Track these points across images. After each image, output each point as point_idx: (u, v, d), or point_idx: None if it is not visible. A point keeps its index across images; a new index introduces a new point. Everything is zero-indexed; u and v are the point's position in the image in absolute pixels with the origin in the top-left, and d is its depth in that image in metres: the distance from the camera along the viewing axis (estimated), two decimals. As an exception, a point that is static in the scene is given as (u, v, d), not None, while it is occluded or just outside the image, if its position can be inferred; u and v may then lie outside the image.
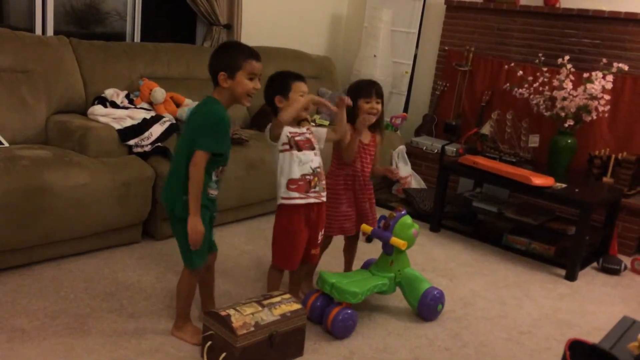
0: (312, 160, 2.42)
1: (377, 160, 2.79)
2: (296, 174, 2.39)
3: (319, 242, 2.55)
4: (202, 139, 2.10)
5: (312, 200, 2.44)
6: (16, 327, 2.26)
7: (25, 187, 2.58)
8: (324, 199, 2.50)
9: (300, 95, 2.41)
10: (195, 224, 2.11)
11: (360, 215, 2.76)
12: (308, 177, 2.41)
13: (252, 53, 2.18)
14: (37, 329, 2.26)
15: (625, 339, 1.70)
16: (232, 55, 2.16)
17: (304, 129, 2.46)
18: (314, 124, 2.62)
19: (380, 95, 2.68)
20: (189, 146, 2.11)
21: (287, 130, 2.40)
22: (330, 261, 3.00)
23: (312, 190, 2.43)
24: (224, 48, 2.25)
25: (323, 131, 2.56)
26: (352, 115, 2.62)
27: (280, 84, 2.43)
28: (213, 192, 2.22)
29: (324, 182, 2.49)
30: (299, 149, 2.40)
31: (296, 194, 2.40)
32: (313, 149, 2.46)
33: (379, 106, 2.67)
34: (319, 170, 2.45)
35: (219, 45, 2.31)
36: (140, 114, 3.24)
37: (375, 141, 2.76)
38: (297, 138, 2.41)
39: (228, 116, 2.18)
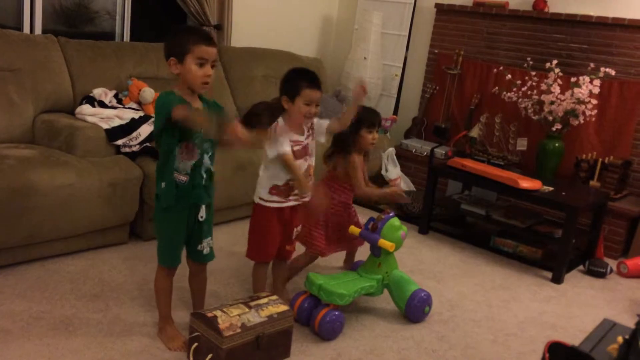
0: (299, 167, 2.40)
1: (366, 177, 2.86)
2: (282, 180, 2.39)
3: (293, 238, 2.56)
4: None
5: (291, 204, 2.45)
6: (0, 328, 2.24)
7: (11, 186, 2.56)
8: (307, 198, 2.47)
9: (306, 104, 2.31)
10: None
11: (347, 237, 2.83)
12: (291, 182, 2.40)
13: (202, 36, 2.04)
14: (21, 330, 2.24)
15: (605, 342, 1.71)
16: (180, 39, 2.01)
17: (302, 137, 2.40)
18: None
19: (380, 125, 2.77)
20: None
21: (289, 139, 2.34)
22: (319, 263, 3.00)
23: (293, 194, 2.43)
24: (174, 32, 2.09)
25: (325, 123, 2.47)
26: (354, 142, 2.69)
27: (291, 84, 2.34)
28: (180, 177, 2.09)
29: (310, 183, 2.47)
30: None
31: (276, 198, 2.41)
32: (306, 155, 2.43)
33: (377, 135, 2.76)
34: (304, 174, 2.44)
35: (170, 30, 2.14)
36: (128, 114, 3.23)
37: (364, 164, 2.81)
38: (295, 148, 2.37)
39: (173, 99, 2.01)
